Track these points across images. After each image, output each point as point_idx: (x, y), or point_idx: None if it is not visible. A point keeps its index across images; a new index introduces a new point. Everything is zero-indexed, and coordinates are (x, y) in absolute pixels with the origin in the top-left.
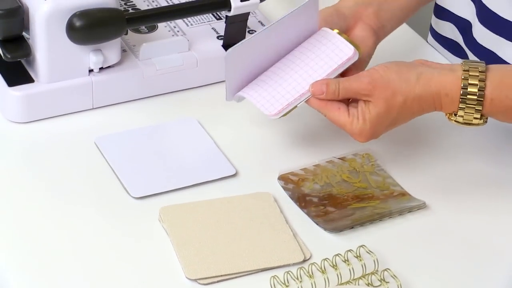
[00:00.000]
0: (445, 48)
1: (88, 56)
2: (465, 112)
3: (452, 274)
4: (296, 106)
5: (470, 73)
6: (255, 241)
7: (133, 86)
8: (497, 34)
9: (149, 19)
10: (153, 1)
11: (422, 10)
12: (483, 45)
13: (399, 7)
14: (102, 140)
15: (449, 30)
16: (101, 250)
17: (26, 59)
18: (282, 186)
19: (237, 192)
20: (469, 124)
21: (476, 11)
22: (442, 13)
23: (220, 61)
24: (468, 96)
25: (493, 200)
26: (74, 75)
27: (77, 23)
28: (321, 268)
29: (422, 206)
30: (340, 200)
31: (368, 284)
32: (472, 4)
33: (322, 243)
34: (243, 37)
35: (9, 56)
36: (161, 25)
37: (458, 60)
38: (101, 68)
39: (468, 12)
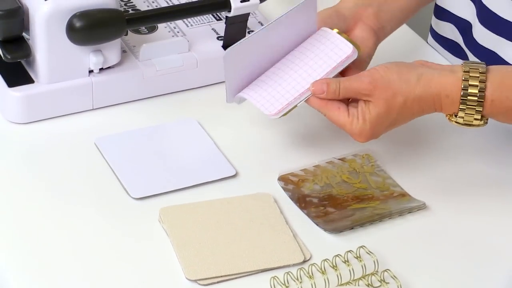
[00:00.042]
0: (445, 48)
1: (88, 57)
2: (466, 113)
3: (452, 274)
4: (296, 106)
5: (470, 74)
6: (255, 242)
7: (133, 87)
8: (497, 34)
9: (149, 20)
10: (153, 2)
11: (422, 11)
12: (484, 45)
13: (399, 8)
14: (102, 141)
15: (449, 31)
16: (101, 251)
17: (26, 60)
18: (282, 187)
19: (237, 192)
20: (470, 125)
21: (477, 12)
22: (442, 14)
23: (220, 61)
24: (469, 97)
25: (493, 200)
26: (74, 75)
27: (77, 23)
28: (321, 269)
29: (422, 207)
30: (340, 201)
31: (368, 285)
32: (472, 4)
33: (322, 243)
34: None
35: (9, 57)
36: (161, 26)
37: (458, 61)
38: (101, 69)
39: (468, 12)
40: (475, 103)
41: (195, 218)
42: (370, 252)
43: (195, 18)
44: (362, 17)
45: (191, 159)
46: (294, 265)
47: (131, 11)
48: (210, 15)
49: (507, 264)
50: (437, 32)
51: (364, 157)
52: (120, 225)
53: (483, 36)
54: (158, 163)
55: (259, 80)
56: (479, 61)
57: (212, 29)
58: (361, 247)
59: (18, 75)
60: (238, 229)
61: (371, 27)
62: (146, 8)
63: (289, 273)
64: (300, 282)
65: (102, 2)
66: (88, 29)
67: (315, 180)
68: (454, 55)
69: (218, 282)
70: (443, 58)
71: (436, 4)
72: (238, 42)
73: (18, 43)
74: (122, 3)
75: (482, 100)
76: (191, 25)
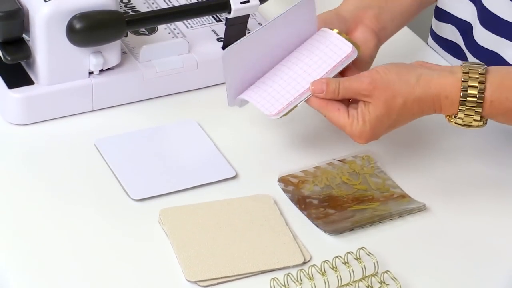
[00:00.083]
0: (445, 50)
1: (88, 58)
2: (465, 114)
3: (452, 275)
4: (296, 106)
5: (470, 75)
6: (255, 243)
7: (133, 88)
8: (498, 35)
9: (149, 21)
10: (153, 3)
11: (422, 13)
12: (484, 46)
13: (400, 10)
14: (102, 142)
15: (450, 32)
16: (101, 252)
17: (26, 61)
18: (282, 188)
19: (237, 194)
20: (469, 126)
21: (477, 13)
22: (443, 15)
23: (220, 63)
24: (468, 98)
25: (493, 201)
26: (74, 77)
27: (77, 25)
28: (321, 270)
29: (422, 208)
30: (340, 202)
31: (368, 286)
32: (472, 6)
33: (322, 245)
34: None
35: (9, 58)
36: (161, 27)
37: (458, 62)
38: (101, 70)
39: (468, 14)
40: (475, 104)
41: (195, 220)
42: (370, 253)
43: (195, 19)
44: (363, 19)
45: (191, 160)
46: (294, 266)
47: (131, 13)
48: (210, 17)
49: (507, 264)
50: (437, 34)
51: (364, 159)
52: (120, 227)
53: (484, 37)
54: (158, 165)
55: (259, 81)
56: (479, 62)
57: (212, 30)
58: (361, 248)
59: (18, 77)
60: (238, 230)
61: (372, 29)
62: (146, 10)
63: (289, 274)
64: (300, 284)
65: (102, 4)
66: (88, 30)
67: (315, 181)
68: (454, 57)
69: (218, 284)
70: (443, 59)
71: (436, 6)
72: (236, 42)
73: (18, 45)
74: (122, 5)
75: (482, 101)
76: (191, 26)
